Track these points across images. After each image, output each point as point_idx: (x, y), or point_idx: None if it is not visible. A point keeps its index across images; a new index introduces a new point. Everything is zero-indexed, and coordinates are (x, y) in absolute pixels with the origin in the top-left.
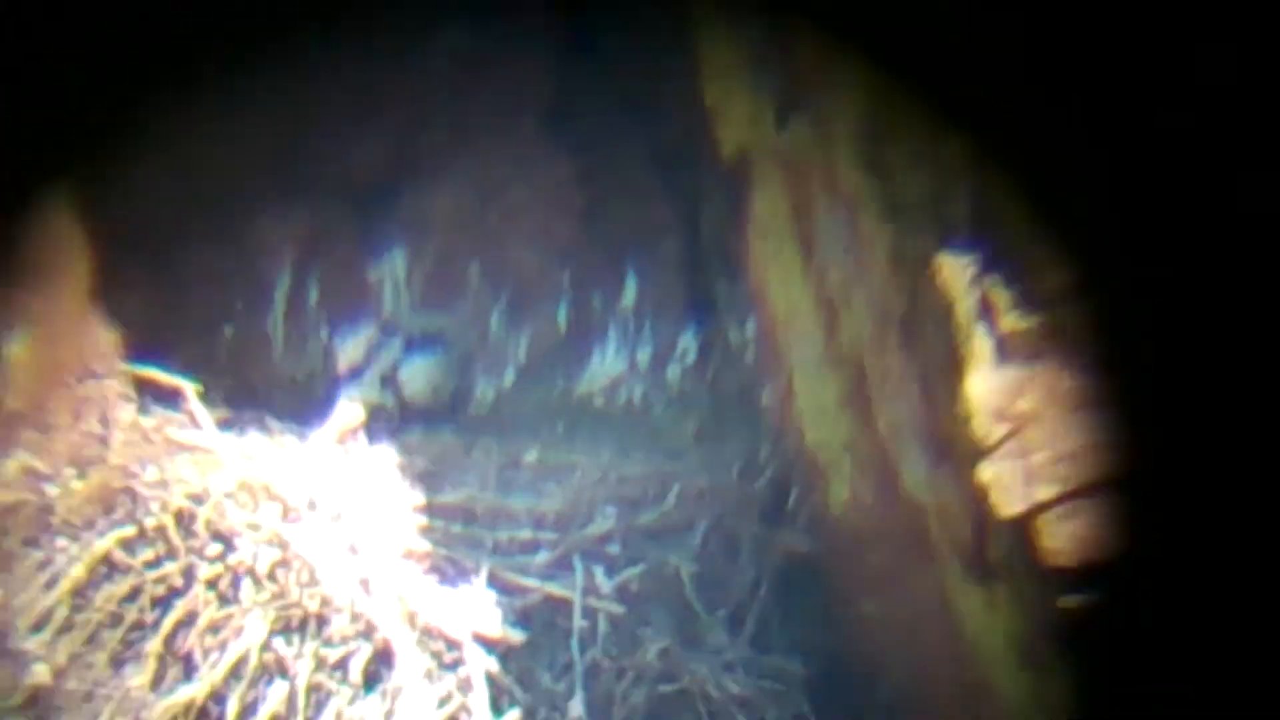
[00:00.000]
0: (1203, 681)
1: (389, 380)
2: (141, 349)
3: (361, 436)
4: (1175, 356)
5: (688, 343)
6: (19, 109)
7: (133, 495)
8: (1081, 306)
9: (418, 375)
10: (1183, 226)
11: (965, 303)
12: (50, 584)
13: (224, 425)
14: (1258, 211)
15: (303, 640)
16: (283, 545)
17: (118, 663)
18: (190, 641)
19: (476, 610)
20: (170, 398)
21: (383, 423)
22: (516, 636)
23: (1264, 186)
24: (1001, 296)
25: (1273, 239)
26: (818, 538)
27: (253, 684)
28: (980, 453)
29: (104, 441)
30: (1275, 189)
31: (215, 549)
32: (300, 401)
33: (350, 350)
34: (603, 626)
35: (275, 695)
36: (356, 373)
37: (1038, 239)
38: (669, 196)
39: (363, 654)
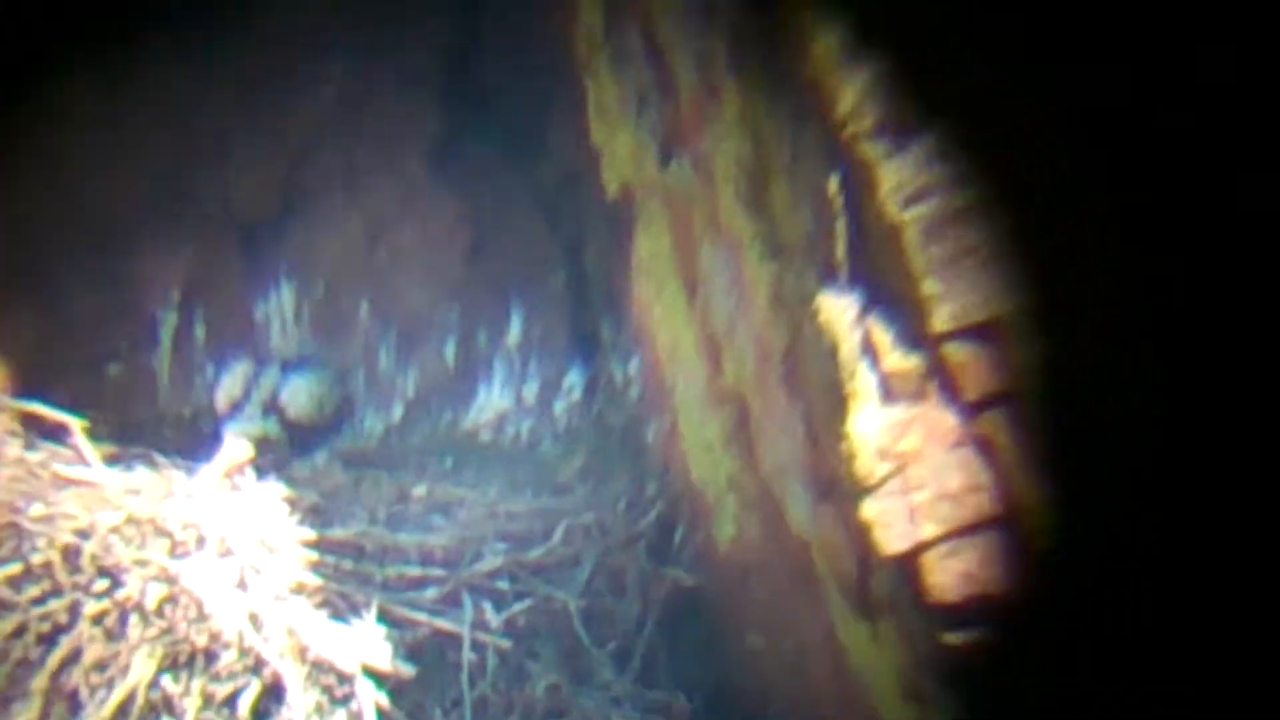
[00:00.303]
0: (1082, 715)
1: (271, 407)
2: (27, 384)
3: (249, 471)
4: (1058, 392)
5: (573, 379)
6: None
7: (18, 531)
8: (964, 346)
9: (299, 393)
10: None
11: (849, 342)
12: None
13: (111, 461)
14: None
15: (191, 676)
16: (170, 581)
17: (4, 700)
18: (77, 678)
19: (367, 644)
20: (56, 433)
21: (270, 454)
22: (407, 671)
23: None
24: (884, 336)
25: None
26: (704, 573)
27: None
28: (864, 490)
29: None
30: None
31: (102, 584)
32: (187, 437)
33: (229, 385)
34: (491, 661)
35: None
36: (238, 406)
37: (919, 279)
38: (554, 234)
39: (252, 689)
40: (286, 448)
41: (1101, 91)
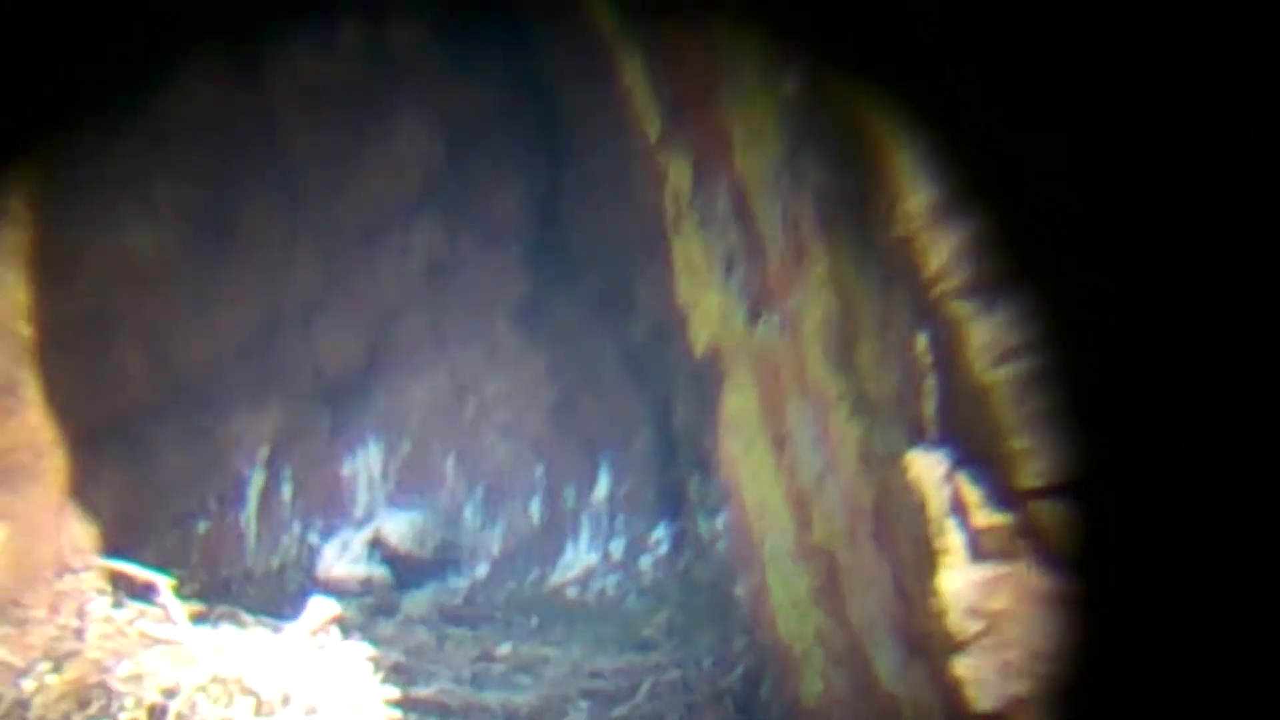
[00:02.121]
0: None
1: (375, 546)
2: (115, 542)
3: (335, 631)
4: (1148, 552)
5: (660, 535)
6: None
7: (107, 690)
8: (1054, 504)
9: (402, 526)
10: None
11: (937, 499)
12: None
13: (198, 619)
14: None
15: None
16: None
17: None
18: None
19: None
20: (144, 592)
21: (373, 595)
22: None
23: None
24: (973, 493)
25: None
26: None
27: None
28: (954, 648)
29: (79, 635)
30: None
31: None
32: (274, 596)
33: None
34: None
35: None
36: (344, 549)
37: (1008, 437)
38: (640, 391)
39: None
40: (391, 588)
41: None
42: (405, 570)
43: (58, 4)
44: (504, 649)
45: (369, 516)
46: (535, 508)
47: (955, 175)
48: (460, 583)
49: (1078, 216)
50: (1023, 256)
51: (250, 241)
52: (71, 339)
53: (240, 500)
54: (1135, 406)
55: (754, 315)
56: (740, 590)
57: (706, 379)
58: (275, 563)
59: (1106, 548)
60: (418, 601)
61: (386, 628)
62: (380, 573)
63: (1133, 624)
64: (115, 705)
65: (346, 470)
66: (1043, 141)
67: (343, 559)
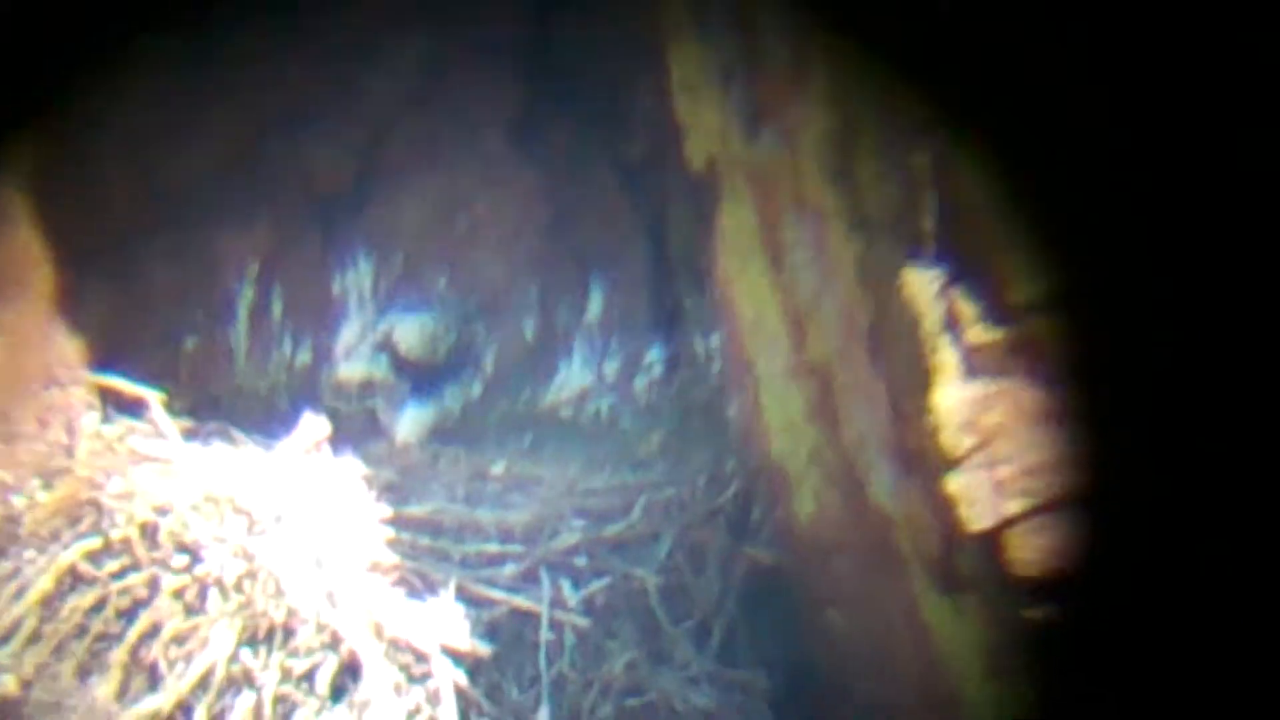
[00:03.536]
0: (1166, 691)
1: (384, 347)
2: (104, 358)
3: (327, 448)
4: (1142, 369)
5: (654, 355)
6: None
7: (98, 507)
8: (1049, 319)
9: (411, 331)
10: (1151, 240)
11: (932, 315)
12: (18, 595)
13: (188, 436)
14: (1227, 223)
15: (269, 651)
16: (248, 557)
17: (84, 673)
18: (156, 652)
19: (444, 623)
20: (134, 407)
21: (384, 396)
22: (484, 649)
23: (1233, 198)
24: (968, 309)
25: (1240, 252)
26: (784, 549)
27: (219, 695)
28: (948, 465)
29: (69, 452)
30: (1244, 201)
31: (181, 561)
32: (265, 413)
33: (346, 335)
34: (569, 639)
35: (242, 706)
36: (349, 353)
37: (1005, 252)
38: (636, 209)
39: (329, 665)
40: (402, 390)
41: None
42: (418, 375)
43: None
44: (498, 468)
45: (373, 322)
46: (529, 327)
47: None
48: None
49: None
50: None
51: (236, 53)
52: (53, 154)
53: (230, 316)
54: (1130, 222)
55: (752, 130)
56: (733, 409)
57: (703, 196)
58: (265, 380)
59: (1101, 361)
60: (422, 415)
61: (379, 446)
62: (384, 374)
63: (1128, 440)
64: (106, 522)
65: (337, 287)
66: None
67: (351, 361)
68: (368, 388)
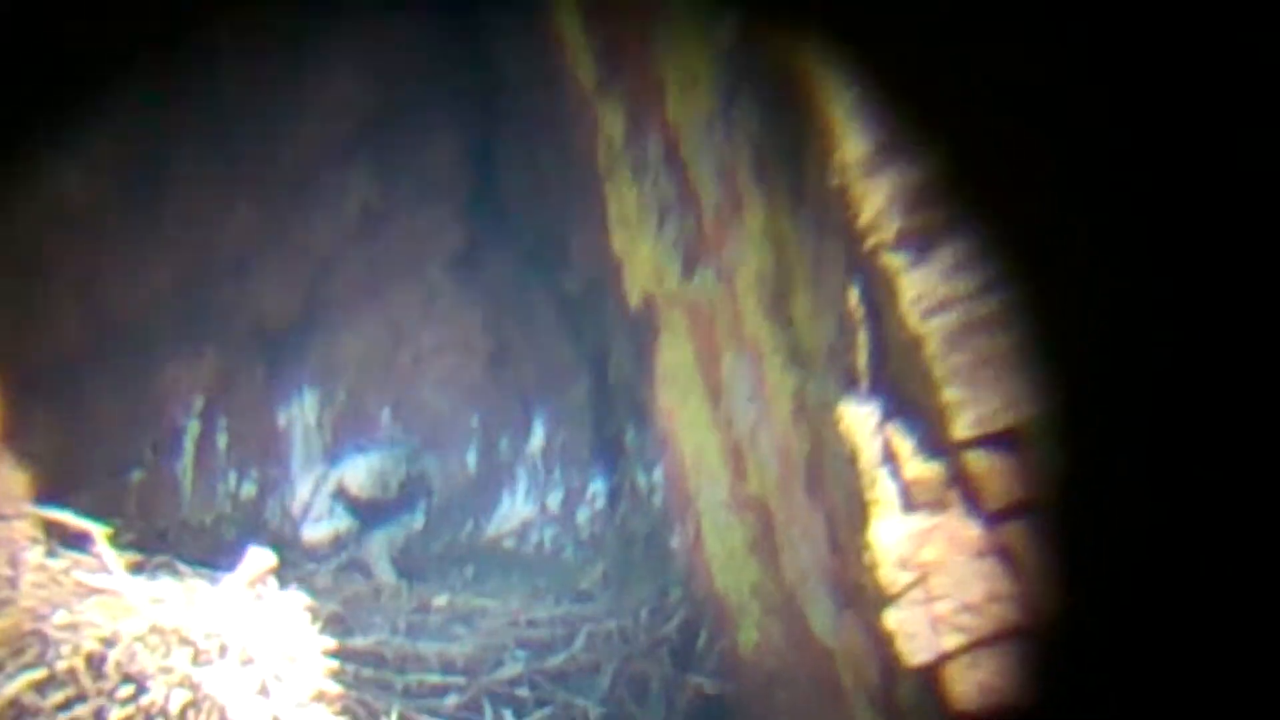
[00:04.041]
0: None
1: (338, 495)
2: (49, 490)
3: (272, 581)
4: (1079, 502)
5: (597, 487)
6: None
7: (43, 638)
8: (985, 454)
9: (360, 473)
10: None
11: (869, 449)
12: None
13: (134, 569)
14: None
15: None
16: (194, 688)
17: None
18: None
19: None
20: (79, 541)
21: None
22: None
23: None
24: (904, 444)
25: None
26: (728, 679)
27: None
28: (886, 600)
29: (12, 584)
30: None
31: (126, 691)
32: (210, 546)
33: (301, 491)
34: None
35: None
36: (307, 511)
37: (939, 388)
38: (577, 341)
39: None
40: (356, 536)
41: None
42: (370, 514)
43: None
44: (440, 599)
45: (328, 467)
46: (471, 458)
47: (889, 124)
48: (397, 535)
49: (1011, 166)
50: (956, 206)
51: (184, 188)
52: (4, 285)
53: (176, 450)
54: (1065, 353)
55: (688, 267)
56: (676, 541)
57: (642, 330)
58: (211, 513)
59: (1040, 500)
60: (379, 544)
61: (323, 578)
62: (348, 524)
63: (1065, 572)
64: (52, 653)
65: (282, 420)
66: (975, 90)
67: (313, 521)
68: (336, 543)
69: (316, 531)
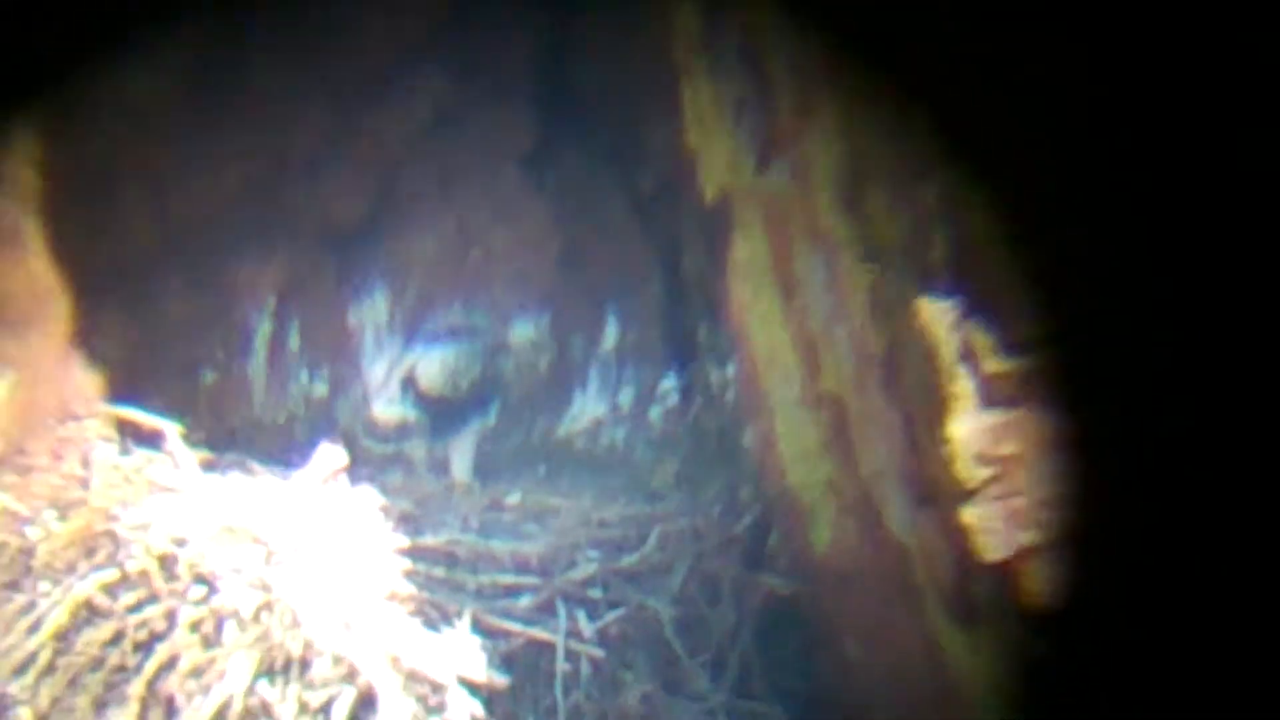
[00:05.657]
0: None
1: (409, 382)
2: (122, 389)
3: (344, 479)
4: (1155, 399)
5: (669, 385)
6: None
7: (114, 538)
8: (1064, 350)
9: (432, 363)
10: (1161, 269)
11: (949, 345)
12: (33, 628)
13: (206, 467)
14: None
15: (286, 683)
16: (266, 588)
17: (100, 706)
18: (173, 685)
19: (460, 654)
20: (151, 439)
21: (408, 437)
22: (500, 680)
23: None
24: (983, 340)
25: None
26: (800, 580)
27: None
28: (963, 496)
29: (84, 484)
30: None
31: (198, 592)
32: (282, 444)
33: (374, 373)
34: (585, 670)
35: None
36: (381, 391)
37: (1018, 284)
38: (649, 240)
39: (346, 697)
40: (425, 430)
41: None
42: (439, 411)
43: None
44: (513, 498)
45: (399, 358)
46: (543, 358)
47: None
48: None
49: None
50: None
51: (255, 89)
52: (76, 188)
53: (247, 349)
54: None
55: (763, 162)
56: (748, 439)
57: (716, 226)
58: (283, 412)
59: (1115, 393)
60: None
61: (395, 477)
62: (415, 415)
63: (1140, 469)
64: (123, 553)
65: (353, 319)
66: None
67: (384, 401)
68: (403, 429)
69: (387, 411)
